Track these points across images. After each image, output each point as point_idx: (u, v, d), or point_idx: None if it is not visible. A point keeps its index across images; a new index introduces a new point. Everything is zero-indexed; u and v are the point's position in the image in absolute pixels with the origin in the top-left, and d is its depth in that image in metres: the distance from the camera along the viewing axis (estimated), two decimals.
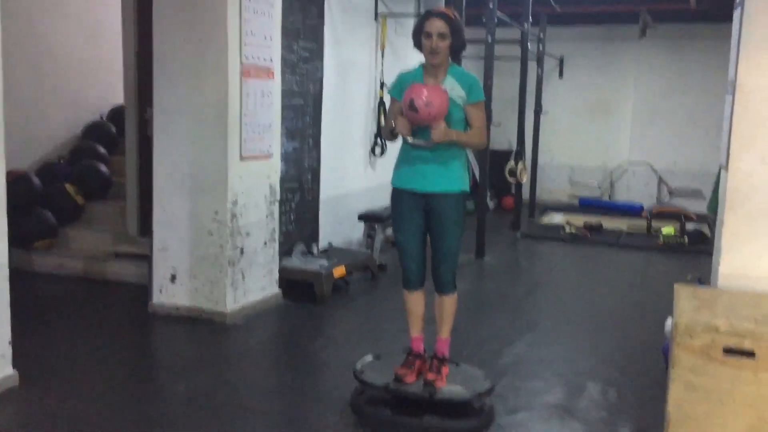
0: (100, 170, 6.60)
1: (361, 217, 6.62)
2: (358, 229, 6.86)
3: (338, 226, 6.74)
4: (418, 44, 3.40)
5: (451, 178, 3.41)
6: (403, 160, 3.50)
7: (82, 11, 7.08)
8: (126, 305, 5.18)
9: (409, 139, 3.38)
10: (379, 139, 7.12)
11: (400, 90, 3.43)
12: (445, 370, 3.49)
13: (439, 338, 3.54)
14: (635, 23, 9.62)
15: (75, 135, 7.09)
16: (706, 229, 8.25)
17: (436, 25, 3.30)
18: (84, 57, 7.09)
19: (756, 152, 3.33)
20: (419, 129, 3.35)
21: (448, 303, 3.51)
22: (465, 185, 3.47)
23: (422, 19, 3.38)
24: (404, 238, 3.50)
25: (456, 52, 3.42)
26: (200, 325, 4.73)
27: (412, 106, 3.24)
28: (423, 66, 3.46)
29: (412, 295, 3.56)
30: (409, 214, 3.47)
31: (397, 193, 3.50)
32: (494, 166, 8.49)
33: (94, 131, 7.10)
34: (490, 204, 10.10)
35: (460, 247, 3.50)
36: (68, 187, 6.29)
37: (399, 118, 3.37)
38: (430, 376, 3.42)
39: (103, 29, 7.18)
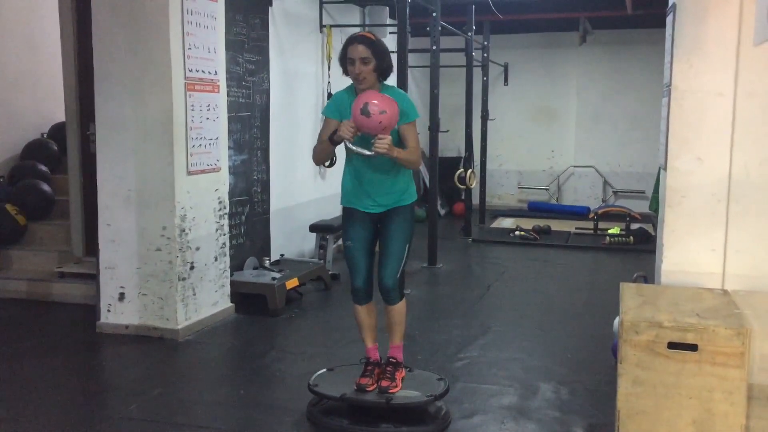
0: (42, 189, 6.43)
1: (312, 228, 6.60)
2: (310, 240, 6.84)
3: (290, 237, 6.71)
4: (345, 71, 3.39)
5: (399, 193, 3.45)
6: (349, 179, 3.50)
7: (17, 24, 6.86)
8: (73, 326, 5.04)
9: (350, 144, 3.30)
10: None
11: (335, 109, 3.43)
12: (399, 374, 3.51)
13: (391, 345, 3.56)
14: (575, 30, 9.86)
15: (14, 154, 6.89)
16: (651, 229, 8.48)
17: (358, 51, 3.29)
18: (21, 72, 6.89)
19: (692, 152, 3.45)
20: (360, 140, 3.31)
21: (397, 312, 3.54)
22: (412, 196, 3.51)
23: (344, 46, 3.36)
24: (353, 252, 3.51)
25: (383, 74, 3.39)
26: (151, 343, 4.65)
27: (365, 111, 3.18)
28: (353, 87, 3.43)
29: (362, 308, 3.57)
30: (360, 230, 3.49)
31: (348, 211, 3.53)
32: (444, 172, 8.58)
33: (34, 149, 6.90)
34: (441, 211, 10.19)
35: (405, 255, 3.49)
36: (9, 207, 6.10)
37: (345, 122, 3.31)
38: (385, 383, 3.43)
39: (41, 43, 7.00)
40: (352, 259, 3.53)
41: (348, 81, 3.46)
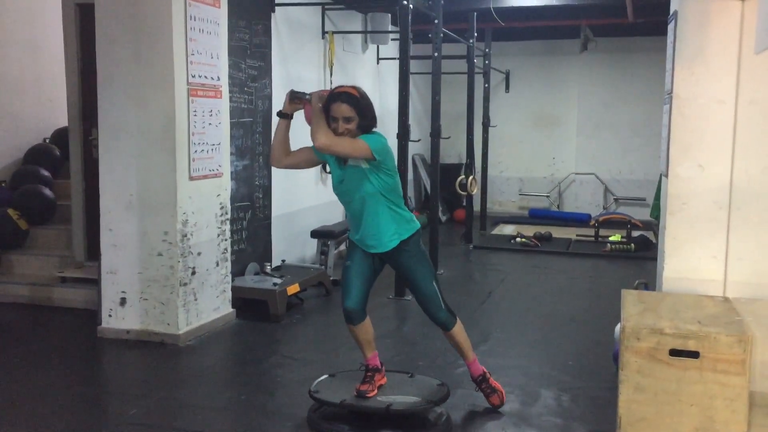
0: (44, 194, 6.44)
1: (313, 234, 6.61)
2: (311, 246, 6.84)
3: (291, 243, 6.72)
4: (327, 123, 3.33)
5: (386, 235, 3.42)
6: (347, 217, 3.60)
7: (20, 29, 6.89)
8: (74, 330, 5.05)
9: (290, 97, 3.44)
10: None
11: None
12: (494, 384, 3.68)
13: (467, 363, 3.65)
14: (577, 38, 9.89)
15: (17, 159, 6.91)
16: (651, 236, 8.48)
17: (342, 110, 3.29)
18: (24, 77, 6.92)
19: (693, 159, 3.46)
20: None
21: (456, 334, 3.60)
22: (402, 233, 3.44)
23: (328, 102, 3.33)
24: (350, 273, 3.53)
25: (365, 130, 3.36)
26: (152, 348, 4.65)
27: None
28: None
29: (355, 327, 3.56)
30: (360, 256, 3.53)
31: (352, 242, 3.59)
32: (445, 179, 8.59)
33: (37, 154, 6.92)
34: (442, 217, 10.20)
35: (438, 287, 3.52)
36: (11, 212, 6.12)
37: (314, 95, 3.40)
38: (491, 397, 3.65)
39: (44, 49, 7.02)
40: (346, 279, 3.53)
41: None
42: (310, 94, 3.40)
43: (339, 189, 3.49)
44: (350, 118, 3.29)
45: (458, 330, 3.59)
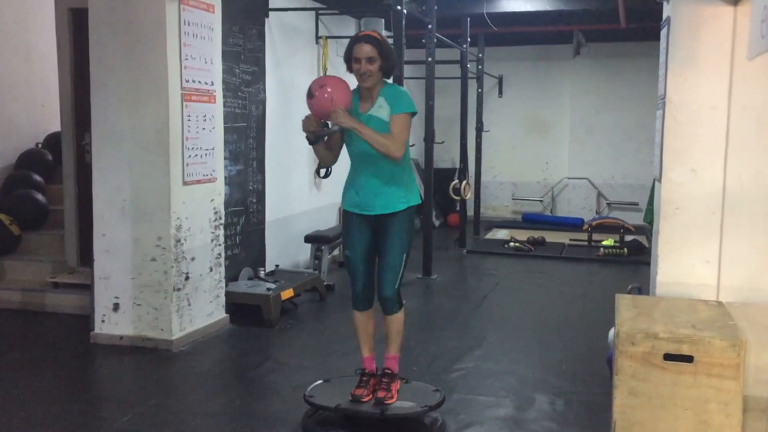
0: (36, 199, 6.41)
1: (307, 239, 6.60)
2: (305, 251, 6.84)
3: (285, 248, 6.71)
4: (350, 69, 3.43)
5: (395, 196, 3.43)
6: (349, 182, 3.54)
7: (13, 34, 6.87)
8: (67, 336, 5.02)
9: (311, 137, 3.38)
10: None
11: None
12: (395, 385, 3.50)
13: (387, 356, 3.55)
14: (569, 43, 9.93)
15: (9, 164, 6.88)
16: (644, 240, 8.51)
17: (364, 50, 3.33)
18: (16, 81, 6.89)
19: (686, 164, 3.47)
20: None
21: (395, 322, 3.53)
22: (411, 200, 3.48)
23: (350, 45, 3.40)
24: (353, 258, 3.52)
25: (387, 73, 3.44)
26: (145, 353, 4.63)
27: (309, 94, 3.32)
28: (357, 89, 3.48)
29: (361, 315, 3.58)
30: (358, 235, 3.49)
31: (347, 215, 3.54)
32: (439, 184, 8.60)
33: (29, 159, 6.89)
34: (436, 222, 10.20)
35: (403, 264, 3.49)
36: (3, 217, 6.09)
37: (305, 117, 3.39)
38: (381, 394, 3.42)
39: (37, 53, 7.00)
40: (351, 267, 3.54)
41: (351, 85, 3.46)
42: (331, 128, 3.38)
43: (356, 145, 3.43)
44: (373, 59, 3.32)
45: (398, 319, 3.52)
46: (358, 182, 3.46)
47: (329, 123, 3.41)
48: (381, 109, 3.39)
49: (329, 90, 3.31)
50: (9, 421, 3.57)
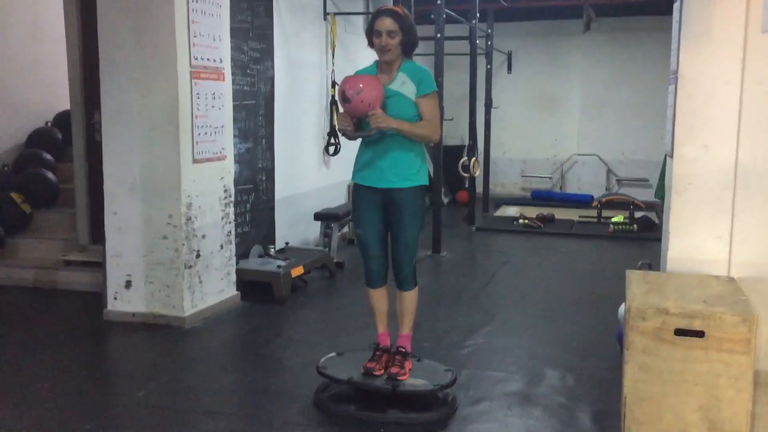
0: (47, 178, 6.45)
1: (317, 216, 6.61)
2: (315, 228, 6.85)
3: (294, 225, 6.73)
4: (371, 43, 3.44)
5: (407, 172, 3.43)
6: (360, 157, 3.55)
7: (21, 13, 6.85)
8: (80, 314, 5.07)
9: (350, 134, 3.42)
10: (332, 138, 7.11)
11: None
12: (408, 364, 3.52)
13: (400, 334, 3.57)
14: (579, 18, 9.82)
15: (19, 143, 6.90)
16: (654, 216, 8.48)
17: (386, 24, 3.35)
18: (26, 61, 6.89)
19: (699, 139, 3.44)
20: (364, 122, 3.39)
21: (409, 299, 3.54)
22: (422, 179, 3.49)
23: (373, 18, 3.43)
24: (364, 234, 3.53)
25: (408, 49, 3.45)
26: (158, 330, 4.67)
27: (344, 98, 3.32)
28: (377, 63, 3.51)
29: (375, 292, 3.60)
30: (368, 210, 3.50)
31: (357, 189, 3.54)
32: (448, 161, 8.58)
33: (39, 138, 6.91)
34: (445, 199, 10.20)
35: (418, 241, 3.53)
36: (14, 195, 6.12)
37: (338, 115, 3.43)
38: (394, 370, 3.45)
39: (45, 32, 6.98)
40: (363, 246, 3.56)
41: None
42: (367, 131, 3.39)
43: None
44: (393, 32, 3.34)
45: (412, 296, 3.54)
46: (372, 155, 3.46)
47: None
48: (404, 85, 3.39)
49: (365, 95, 3.29)
50: (24, 398, 3.62)
